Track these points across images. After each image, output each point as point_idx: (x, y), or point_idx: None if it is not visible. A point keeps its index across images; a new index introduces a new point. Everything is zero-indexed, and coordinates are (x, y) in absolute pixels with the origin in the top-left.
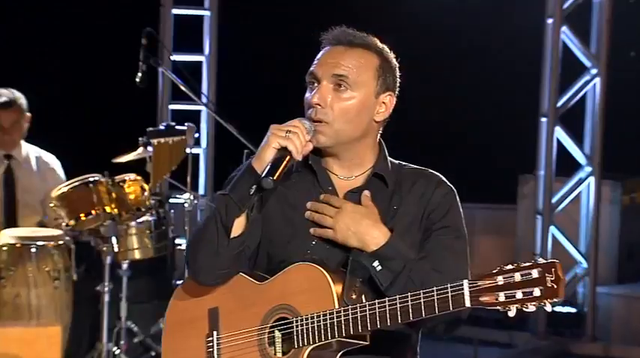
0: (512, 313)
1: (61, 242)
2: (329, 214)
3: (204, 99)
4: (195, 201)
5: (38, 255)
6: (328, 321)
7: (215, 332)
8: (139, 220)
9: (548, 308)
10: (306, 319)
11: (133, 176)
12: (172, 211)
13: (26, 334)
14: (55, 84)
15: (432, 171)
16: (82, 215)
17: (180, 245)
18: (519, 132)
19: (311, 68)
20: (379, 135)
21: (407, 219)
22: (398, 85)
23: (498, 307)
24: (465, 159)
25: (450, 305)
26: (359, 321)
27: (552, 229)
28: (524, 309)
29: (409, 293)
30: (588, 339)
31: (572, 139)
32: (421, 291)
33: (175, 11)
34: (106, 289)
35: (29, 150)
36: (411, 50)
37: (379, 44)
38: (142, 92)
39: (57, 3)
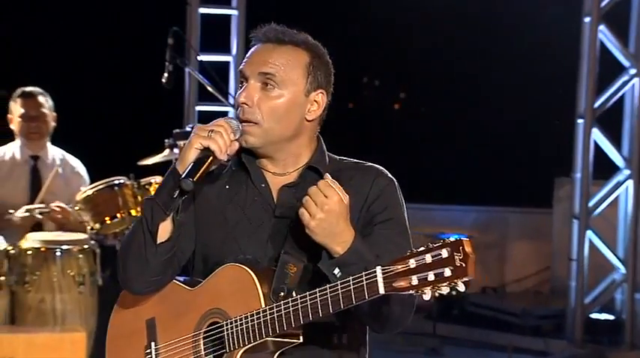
0: (427, 296)
1: (86, 246)
2: (316, 201)
3: (231, 100)
4: None
5: (63, 259)
6: (255, 321)
7: (153, 343)
8: None
9: (461, 288)
10: (235, 321)
11: (159, 179)
12: None
13: (51, 340)
14: (81, 85)
15: (371, 163)
16: (107, 218)
17: None
18: (555, 133)
19: (240, 66)
20: (317, 133)
21: (349, 213)
22: (332, 81)
23: (411, 291)
24: (500, 161)
25: (366, 293)
26: (283, 318)
27: (589, 234)
28: (437, 292)
29: (328, 286)
30: (627, 347)
31: (610, 141)
32: (339, 282)
33: (202, 10)
34: None
35: (55, 153)
36: (446, 49)
37: (310, 40)
38: (168, 93)
39: (83, 4)
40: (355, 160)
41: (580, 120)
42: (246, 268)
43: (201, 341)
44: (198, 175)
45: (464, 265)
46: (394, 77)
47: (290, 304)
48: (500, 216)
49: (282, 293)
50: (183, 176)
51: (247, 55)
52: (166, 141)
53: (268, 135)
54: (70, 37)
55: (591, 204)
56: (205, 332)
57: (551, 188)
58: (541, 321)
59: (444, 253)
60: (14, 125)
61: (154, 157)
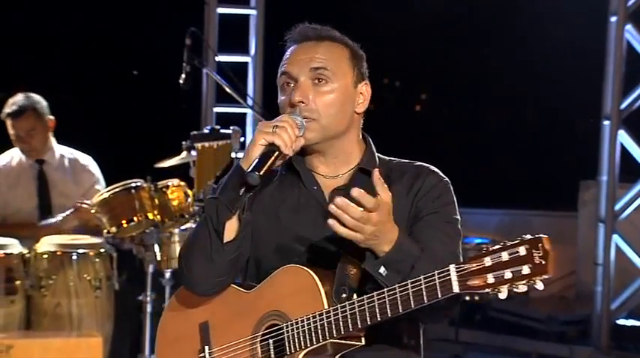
0: (503, 295)
1: (102, 250)
2: (355, 216)
3: (249, 102)
4: None
5: (79, 263)
6: (318, 323)
7: (207, 347)
8: (182, 227)
9: (540, 286)
10: (296, 323)
11: (176, 181)
12: None
13: (67, 345)
14: (97, 86)
15: (422, 163)
16: (123, 222)
17: None
18: (580, 135)
19: (282, 69)
20: (361, 128)
21: (397, 215)
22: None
23: (487, 289)
24: (524, 163)
25: (439, 292)
26: (349, 319)
27: (615, 238)
28: (514, 290)
29: (397, 285)
30: None
31: (637, 143)
32: (409, 282)
33: (220, 10)
34: (149, 299)
35: (63, 153)
36: (468, 49)
37: (343, 36)
38: (185, 94)
39: (100, 4)
40: (405, 160)
41: (606, 122)
42: (307, 269)
43: (259, 344)
44: (264, 169)
45: (543, 262)
46: (415, 78)
47: (356, 305)
48: (524, 220)
49: (343, 295)
50: (248, 170)
51: (287, 57)
52: (184, 143)
53: (326, 131)
54: (86, 38)
55: (617, 207)
56: (263, 335)
57: (576, 191)
58: (566, 327)
59: (522, 251)
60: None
61: (172, 160)
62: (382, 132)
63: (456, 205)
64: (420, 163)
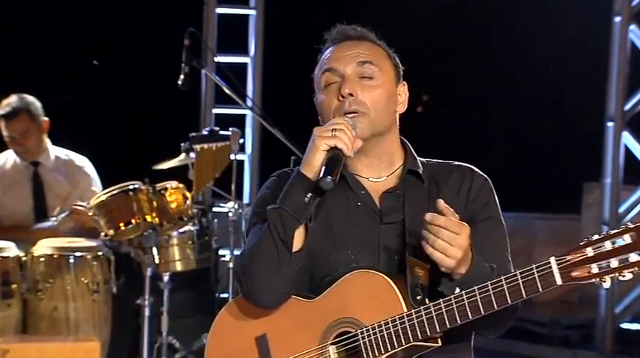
0: (607, 284)
1: (100, 253)
2: (451, 243)
3: (249, 103)
4: (240, 210)
5: (76, 266)
6: (399, 327)
7: None
8: (181, 230)
9: None
10: (373, 329)
11: (174, 184)
12: (216, 221)
13: (64, 349)
14: (95, 87)
15: (460, 163)
16: (121, 224)
17: (224, 256)
18: (584, 137)
19: (325, 66)
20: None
21: None
22: None
23: (592, 280)
24: (527, 165)
25: (539, 286)
26: (435, 321)
27: (619, 241)
28: (619, 278)
29: (489, 283)
30: None
31: None
32: (502, 278)
33: (219, 10)
34: (147, 302)
35: (58, 154)
36: (469, 50)
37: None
38: (184, 95)
39: (98, 4)
40: (439, 160)
41: (610, 124)
42: (380, 273)
43: (330, 353)
44: (336, 173)
45: None
46: (416, 79)
47: (442, 305)
48: (527, 223)
49: (418, 297)
50: (321, 175)
51: (329, 56)
52: (182, 144)
53: (375, 126)
54: (84, 38)
55: (621, 210)
56: (333, 344)
57: (579, 193)
58: (569, 331)
59: (627, 238)
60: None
61: (170, 161)
62: None
63: (498, 202)
64: (459, 163)
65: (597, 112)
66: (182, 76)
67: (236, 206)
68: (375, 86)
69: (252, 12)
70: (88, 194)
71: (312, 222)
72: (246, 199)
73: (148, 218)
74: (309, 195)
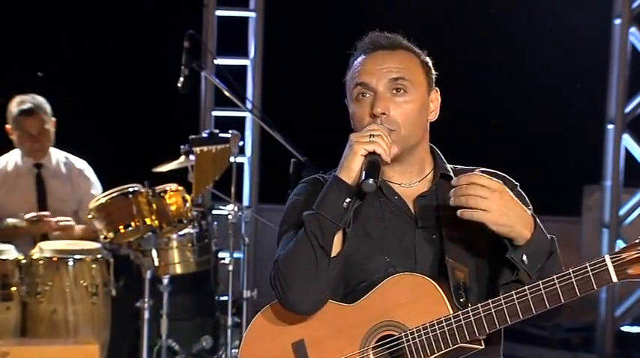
0: None
1: (99, 255)
2: (481, 195)
3: (248, 105)
4: (240, 213)
5: (76, 269)
6: (446, 328)
7: None
8: (180, 233)
9: None
10: (418, 331)
11: (174, 186)
12: (215, 223)
13: (63, 352)
14: (94, 89)
15: (489, 169)
16: (120, 227)
17: (223, 259)
18: (584, 139)
19: (357, 79)
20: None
21: None
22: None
23: None
24: (526, 168)
25: (594, 284)
26: (484, 322)
27: (619, 243)
28: None
29: (540, 282)
30: None
31: None
32: (554, 277)
33: (219, 13)
34: (146, 305)
35: (59, 157)
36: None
37: (412, 45)
38: (183, 98)
39: (96, 6)
40: (464, 166)
41: (610, 126)
42: (423, 276)
43: (372, 357)
44: (377, 176)
45: None
46: None
47: (491, 305)
48: None
49: (462, 299)
50: (363, 179)
51: (360, 68)
52: (182, 147)
53: (406, 142)
54: (82, 40)
55: (622, 212)
56: (375, 348)
57: (579, 196)
58: (570, 334)
59: None
60: (15, 137)
61: (170, 164)
62: None
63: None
64: (485, 168)
65: (597, 115)
66: (182, 79)
67: (236, 208)
68: (407, 101)
69: (251, 14)
70: (87, 197)
71: (350, 227)
72: (245, 202)
73: (148, 220)
74: (348, 199)
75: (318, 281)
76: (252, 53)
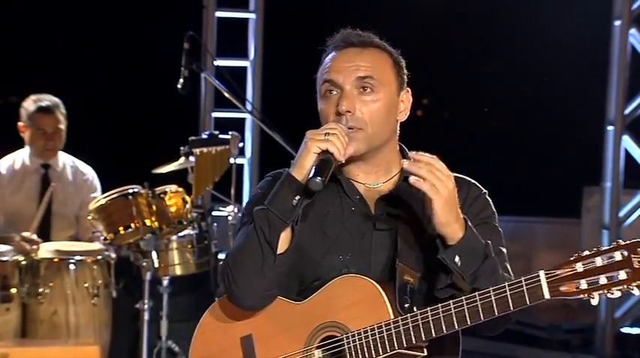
0: (595, 301)
1: (100, 256)
2: (439, 176)
3: (248, 107)
4: (239, 214)
5: (77, 270)
6: (385, 333)
7: None
8: (180, 234)
9: (637, 292)
10: (359, 334)
11: (174, 187)
12: (215, 225)
13: (64, 353)
14: (95, 91)
15: (458, 174)
16: (120, 228)
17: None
18: (584, 141)
19: (325, 76)
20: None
21: None
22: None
23: (581, 295)
24: (526, 169)
25: (527, 299)
26: (421, 329)
27: None
28: (608, 296)
29: (476, 293)
30: None
31: None
32: (490, 289)
33: (219, 14)
34: (146, 307)
35: (66, 160)
36: (469, 54)
37: (385, 43)
38: (183, 99)
39: (97, 8)
40: None
41: (610, 127)
42: (368, 279)
43: (315, 356)
44: (326, 175)
45: None
46: (416, 83)
47: (429, 313)
48: (527, 227)
49: (406, 305)
50: (310, 176)
51: (330, 64)
52: (182, 148)
53: (372, 140)
54: (83, 42)
55: (622, 213)
56: (318, 348)
57: (579, 197)
58: (569, 336)
59: (618, 256)
60: (26, 135)
61: (169, 165)
62: None
63: (497, 215)
64: (457, 174)
65: (597, 116)
66: (182, 80)
67: (235, 210)
68: (375, 100)
69: (251, 15)
70: (88, 199)
71: (299, 225)
72: (245, 203)
73: (148, 222)
74: (297, 197)
75: (264, 277)
76: (252, 54)
